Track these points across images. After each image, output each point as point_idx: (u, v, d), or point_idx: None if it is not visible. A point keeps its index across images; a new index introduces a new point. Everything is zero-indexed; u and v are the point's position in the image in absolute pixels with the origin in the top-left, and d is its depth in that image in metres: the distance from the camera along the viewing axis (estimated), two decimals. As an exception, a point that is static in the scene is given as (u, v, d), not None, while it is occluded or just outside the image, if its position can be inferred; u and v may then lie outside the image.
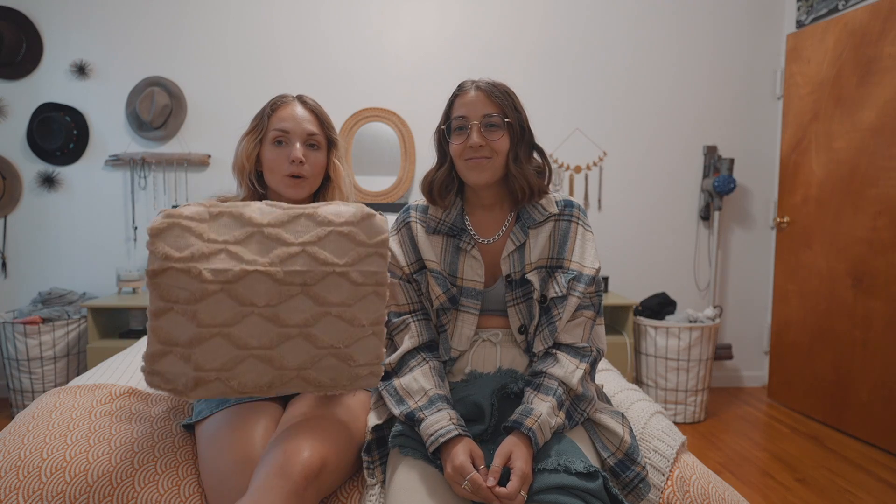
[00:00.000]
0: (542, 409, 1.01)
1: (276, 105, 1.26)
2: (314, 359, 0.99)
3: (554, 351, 1.10)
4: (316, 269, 0.98)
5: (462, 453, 0.95)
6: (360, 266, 0.99)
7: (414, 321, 1.17)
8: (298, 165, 1.21)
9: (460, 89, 1.16)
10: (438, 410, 1.03)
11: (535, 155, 1.21)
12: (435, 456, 1.00)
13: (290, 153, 1.21)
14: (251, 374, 0.96)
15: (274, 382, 0.98)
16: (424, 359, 1.13)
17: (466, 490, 0.93)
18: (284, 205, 1.00)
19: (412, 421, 1.04)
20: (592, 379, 1.14)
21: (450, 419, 1.01)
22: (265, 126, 1.24)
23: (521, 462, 0.94)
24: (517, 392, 1.09)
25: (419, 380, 1.09)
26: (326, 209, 1.00)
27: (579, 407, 1.08)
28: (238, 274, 0.95)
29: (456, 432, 0.99)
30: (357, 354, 1.00)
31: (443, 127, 1.18)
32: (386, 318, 1.03)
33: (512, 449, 0.96)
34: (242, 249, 0.96)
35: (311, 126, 1.25)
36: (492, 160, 1.12)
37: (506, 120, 1.11)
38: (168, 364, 0.94)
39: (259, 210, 0.98)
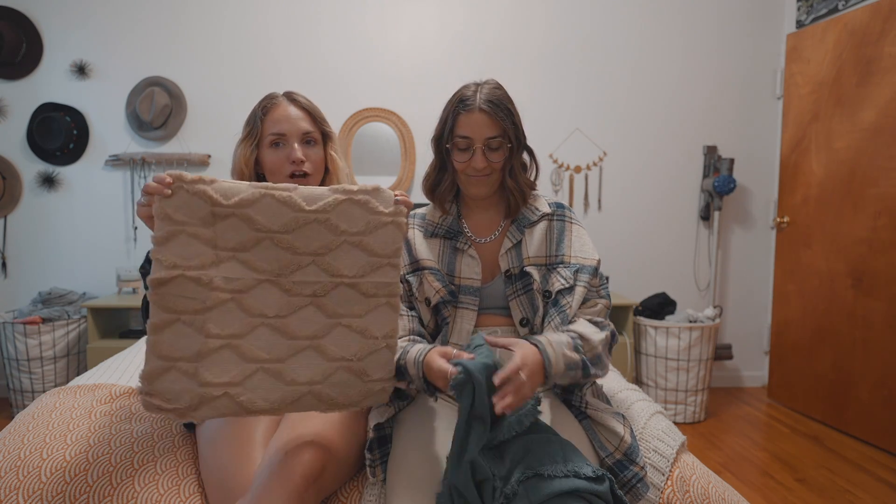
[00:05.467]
0: (559, 338, 1.03)
1: (266, 108, 1.26)
2: (326, 373, 0.97)
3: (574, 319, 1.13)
4: (325, 280, 0.97)
5: (438, 358, 0.98)
6: (372, 277, 0.99)
7: (405, 315, 1.20)
8: (300, 165, 1.23)
9: (464, 106, 1.14)
10: (415, 344, 1.08)
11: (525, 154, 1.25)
12: (430, 387, 1.02)
13: (290, 154, 1.22)
14: (260, 389, 0.94)
15: (284, 399, 0.95)
16: (411, 339, 1.16)
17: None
18: (294, 195, 0.96)
19: (399, 372, 1.06)
20: (609, 353, 1.15)
21: (425, 344, 1.06)
22: (259, 130, 1.25)
23: (520, 350, 0.95)
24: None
25: (401, 344, 1.12)
26: (339, 216, 0.97)
27: (594, 367, 1.07)
28: (248, 283, 0.93)
29: (430, 347, 1.03)
30: (370, 368, 1.00)
31: (448, 145, 1.18)
32: (398, 331, 1.04)
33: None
34: (251, 257, 0.94)
35: (306, 124, 1.25)
36: (491, 176, 1.18)
37: (508, 144, 1.16)
38: (169, 381, 0.89)
39: (268, 210, 0.94)
